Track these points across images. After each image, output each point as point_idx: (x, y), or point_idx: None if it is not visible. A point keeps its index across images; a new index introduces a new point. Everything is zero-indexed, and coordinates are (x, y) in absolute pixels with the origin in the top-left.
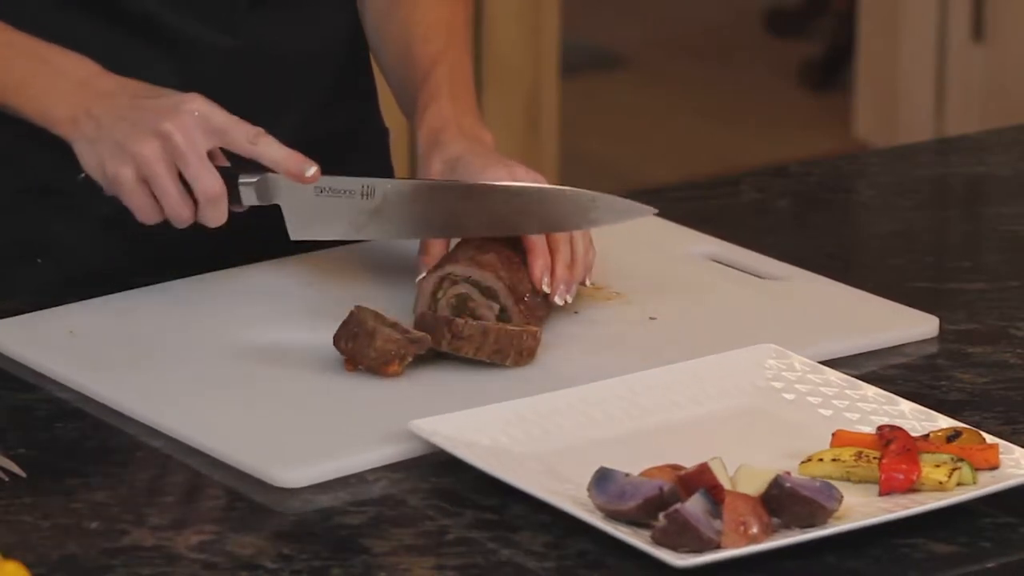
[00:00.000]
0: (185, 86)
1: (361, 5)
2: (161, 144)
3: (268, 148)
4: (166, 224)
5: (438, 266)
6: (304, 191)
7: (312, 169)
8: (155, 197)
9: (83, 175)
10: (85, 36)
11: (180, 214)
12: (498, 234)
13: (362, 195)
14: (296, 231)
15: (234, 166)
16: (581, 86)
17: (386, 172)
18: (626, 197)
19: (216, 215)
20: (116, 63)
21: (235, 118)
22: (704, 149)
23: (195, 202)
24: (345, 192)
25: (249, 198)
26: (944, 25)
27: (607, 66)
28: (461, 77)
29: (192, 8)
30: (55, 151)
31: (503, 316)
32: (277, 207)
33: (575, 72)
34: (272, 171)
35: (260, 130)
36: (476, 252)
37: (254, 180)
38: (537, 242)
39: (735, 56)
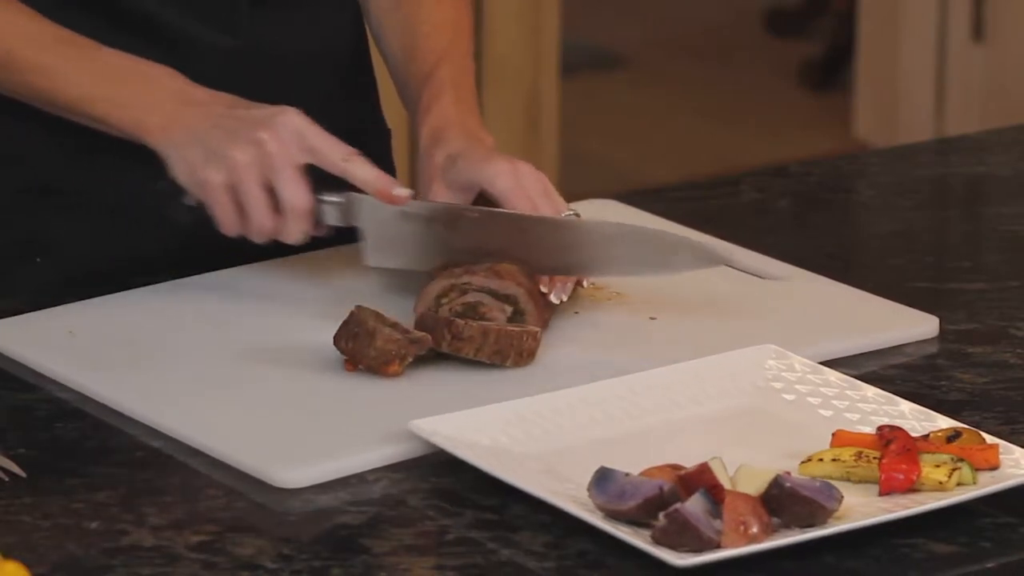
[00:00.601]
0: None
1: (364, 2)
2: (255, 152)
3: (360, 168)
4: (166, 224)
5: (453, 274)
6: (387, 215)
7: (403, 191)
8: (240, 206)
9: (162, 182)
10: (85, 34)
11: (263, 225)
12: (576, 274)
13: (445, 223)
14: (374, 256)
15: (315, 186)
16: (581, 86)
17: (387, 172)
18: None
19: (299, 231)
20: None
21: (330, 136)
22: (704, 149)
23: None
24: (430, 219)
25: (332, 217)
26: (944, 25)
27: (607, 66)
28: (464, 79)
29: (193, 8)
30: (56, 152)
31: (517, 318)
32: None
33: (575, 72)
34: (357, 191)
35: (353, 150)
36: (495, 262)
37: (339, 200)
38: None
39: (735, 56)
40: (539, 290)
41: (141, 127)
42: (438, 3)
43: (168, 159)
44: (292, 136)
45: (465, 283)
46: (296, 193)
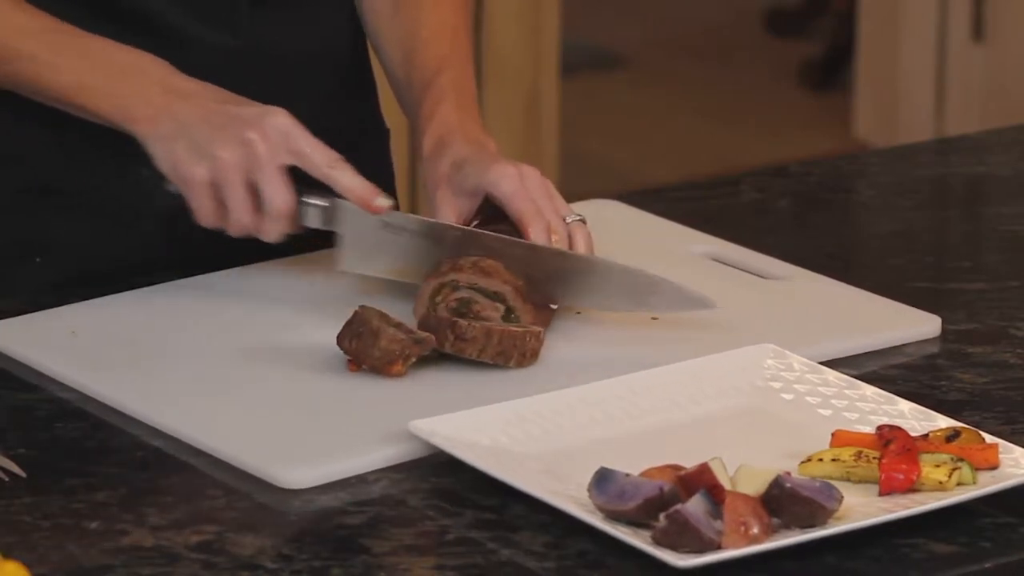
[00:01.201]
0: None
1: (360, 6)
2: (242, 152)
3: (344, 175)
4: (166, 224)
5: (441, 272)
6: (368, 223)
7: (385, 202)
8: (221, 202)
9: (144, 169)
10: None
11: (243, 223)
12: (555, 298)
13: (430, 237)
14: (351, 263)
15: (297, 187)
16: (581, 86)
17: (387, 172)
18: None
19: (278, 230)
20: None
21: (316, 140)
22: (704, 149)
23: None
24: (410, 231)
25: (313, 220)
26: (944, 25)
27: (607, 66)
28: (465, 84)
29: (193, 7)
30: (56, 152)
31: (509, 316)
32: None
33: (575, 72)
34: (341, 197)
35: (338, 156)
36: (480, 256)
37: (322, 203)
38: (536, 236)
39: (735, 56)
40: (525, 287)
41: (128, 116)
42: (436, 7)
43: (152, 150)
44: (280, 137)
45: (452, 280)
46: (279, 195)
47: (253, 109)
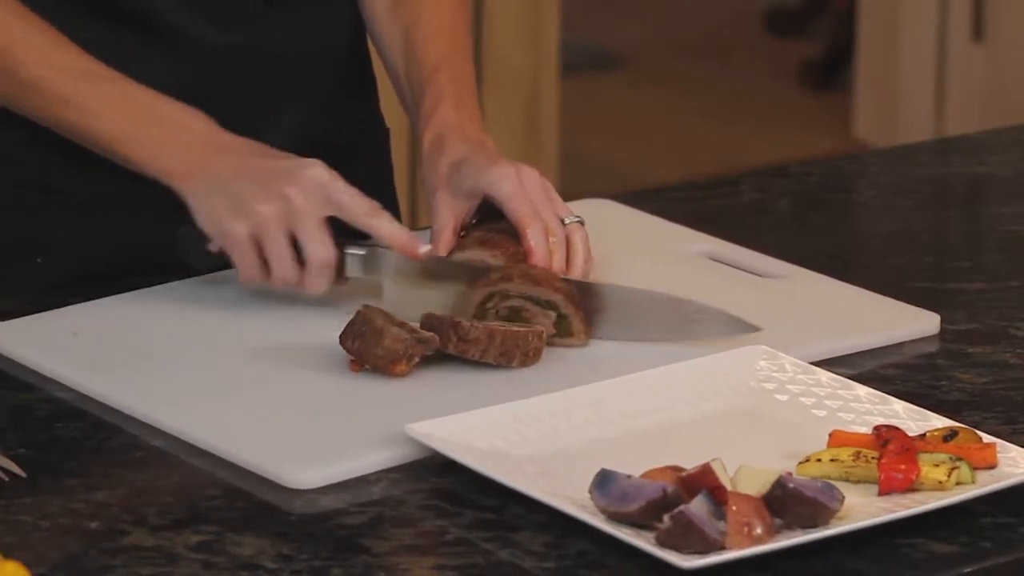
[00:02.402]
0: (184, 85)
1: (362, 4)
2: (281, 206)
3: (383, 223)
4: (166, 224)
5: (491, 280)
6: (410, 269)
7: (424, 247)
8: (262, 258)
9: (184, 227)
10: (85, 32)
11: (286, 276)
12: (596, 332)
13: (469, 279)
14: (396, 310)
15: (337, 236)
16: (581, 86)
17: (386, 171)
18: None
19: (321, 283)
20: (115, 60)
21: (353, 189)
22: (704, 149)
23: (301, 266)
24: (450, 275)
25: (354, 269)
26: (944, 25)
27: (607, 66)
28: (465, 83)
29: (200, 7)
30: (56, 152)
31: (562, 323)
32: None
33: (575, 72)
34: (380, 246)
35: (376, 204)
36: (528, 265)
37: (362, 252)
38: (538, 247)
39: (735, 56)
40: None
41: (166, 171)
42: (436, 7)
43: (192, 205)
44: (317, 189)
45: (503, 289)
46: (321, 248)
47: (290, 163)
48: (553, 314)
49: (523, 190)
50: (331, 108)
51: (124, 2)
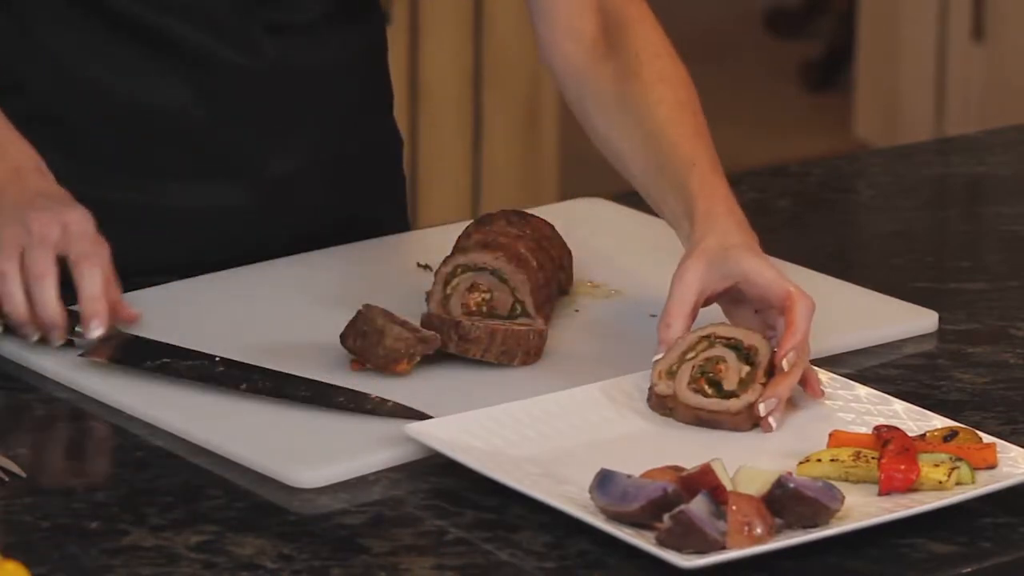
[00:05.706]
0: (203, 103)
1: (575, 88)
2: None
3: (84, 278)
4: (166, 223)
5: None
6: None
7: (97, 329)
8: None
9: None
10: (106, 49)
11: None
12: None
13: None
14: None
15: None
16: None
17: (399, 181)
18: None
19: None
20: (136, 78)
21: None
22: None
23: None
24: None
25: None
26: (944, 25)
27: None
28: (721, 180)
29: (214, 30)
30: (56, 152)
31: (518, 307)
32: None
33: None
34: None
35: (95, 258)
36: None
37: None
38: (800, 324)
39: (735, 56)
40: (538, 278)
41: None
42: (671, 89)
43: None
44: (79, 228)
45: (463, 262)
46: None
47: (59, 213)
48: (508, 291)
49: (788, 280)
50: (349, 123)
51: (145, 21)
